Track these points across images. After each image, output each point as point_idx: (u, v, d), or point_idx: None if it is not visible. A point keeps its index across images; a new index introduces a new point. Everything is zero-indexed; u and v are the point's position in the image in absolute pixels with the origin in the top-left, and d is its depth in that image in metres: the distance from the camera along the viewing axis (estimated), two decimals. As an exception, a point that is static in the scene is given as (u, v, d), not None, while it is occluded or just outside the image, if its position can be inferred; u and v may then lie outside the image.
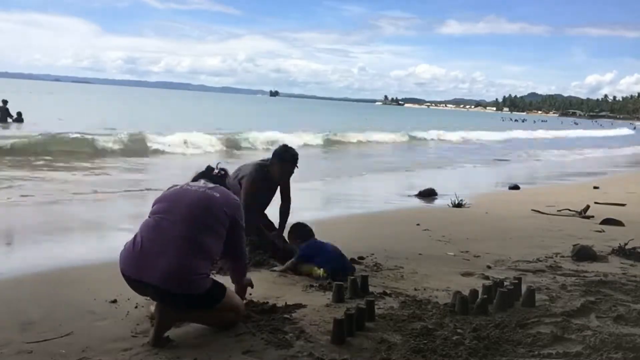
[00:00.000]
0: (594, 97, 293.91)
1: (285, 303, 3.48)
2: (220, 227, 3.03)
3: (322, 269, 4.18)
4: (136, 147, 15.71)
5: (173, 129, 19.34)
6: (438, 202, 9.74)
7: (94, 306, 3.41)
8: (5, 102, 21.89)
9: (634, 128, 76.13)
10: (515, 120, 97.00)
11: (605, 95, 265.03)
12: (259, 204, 4.85)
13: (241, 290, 3.40)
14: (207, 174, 3.29)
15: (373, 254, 4.98)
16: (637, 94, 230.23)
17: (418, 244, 5.70)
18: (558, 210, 8.37)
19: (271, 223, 5.02)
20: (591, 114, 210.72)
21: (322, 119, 47.58)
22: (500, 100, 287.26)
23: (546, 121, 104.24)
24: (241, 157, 14.47)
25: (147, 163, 13.78)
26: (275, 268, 4.40)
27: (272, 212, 5.11)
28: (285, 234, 4.76)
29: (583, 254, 5.17)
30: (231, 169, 3.96)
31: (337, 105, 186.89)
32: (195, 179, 3.27)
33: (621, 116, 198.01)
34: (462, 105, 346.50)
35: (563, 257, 5.26)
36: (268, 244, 4.68)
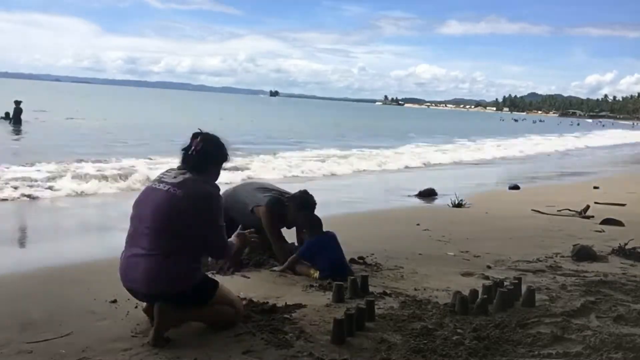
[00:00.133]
0: (594, 97, 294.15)
1: (285, 303, 3.48)
2: (187, 229, 2.94)
3: (317, 272, 4.20)
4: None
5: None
6: (438, 202, 9.74)
7: (94, 306, 3.41)
8: (18, 102, 21.72)
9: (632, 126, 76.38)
10: (515, 120, 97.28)
11: (605, 95, 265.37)
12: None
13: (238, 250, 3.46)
14: (184, 156, 3.09)
15: (373, 254, 4.98)
16: (637, 94, 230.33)
17: (418, 244, 5.70)
18: (558, 210, 8.36)
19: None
20: (591, 114, 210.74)
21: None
22: (500, 100, 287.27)
23: (543, 121, 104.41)
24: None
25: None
26: (275, 268, 4.40)
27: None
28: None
29: (583, 254, 5.17)
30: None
31: (337, 105, 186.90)
32: (178, 166, 3.11)
33: (621, 116, 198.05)
34: (462, 105, 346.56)
35: (563, 257, 5.26)
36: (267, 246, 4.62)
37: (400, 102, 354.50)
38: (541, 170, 17.34)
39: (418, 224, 6.80)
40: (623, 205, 9.27)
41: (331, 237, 4.39)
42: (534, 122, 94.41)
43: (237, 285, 3.60)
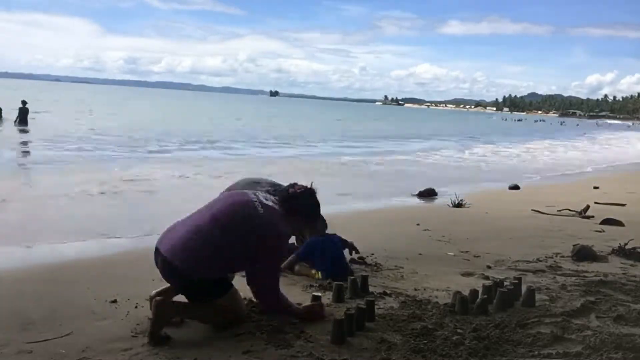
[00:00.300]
0: (594, 97, 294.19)
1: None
2: (245, 242, 2.97)
3: (319, 272, 4.20)
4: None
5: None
6: (438, 202, 9.75)
7: (94, 306, 3.41)
8: (24, 102, 21.73)
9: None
10: (519, 120, 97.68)
11: (605, 95, 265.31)
12: None
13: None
14: (283, 189, 3.29)
15: (373, 254, 4.98)
16: (637, 94, 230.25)
17: (418, 244, 5.70)
18: (558, 210, 8.37)
19: None
20: (591, 114, 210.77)
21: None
22: (500, 100, 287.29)
23: (544, 121, 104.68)
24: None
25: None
26: None
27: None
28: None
29: (583, 254, 5.17)
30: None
31: (337, 105, 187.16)
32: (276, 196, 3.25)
33: (621, 116, 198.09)
34: (462, 105, 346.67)
35: (563, 257, 5.26)
36: None
37: (400, 102, 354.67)
38: None
39: (418, 224, 6.80)
40: (623, 205, 9.28)
41: (332, 239, 4.40)
42: (536, 121, 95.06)
43: (237, 286, 3.59)
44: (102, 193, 8.80)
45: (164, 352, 2.74)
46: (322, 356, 2.72)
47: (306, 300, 3.58)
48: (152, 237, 3.42)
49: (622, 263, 5.11)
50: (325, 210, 3.60)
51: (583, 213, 8.16)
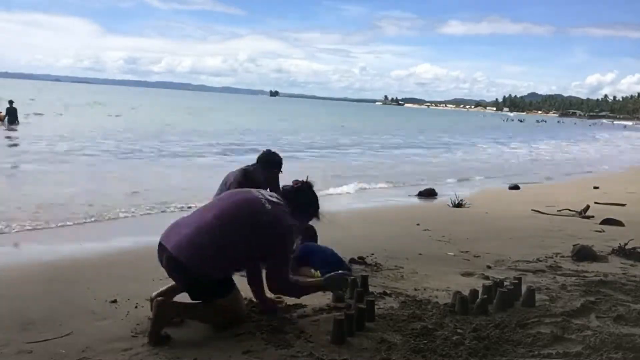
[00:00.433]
0: (594, 97, 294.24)
1: (285, 303, 3.48)
2: (250, 240, 2.99)
3: (318, 271, 4.19)
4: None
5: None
6: (438, 202, 9.75)
7: (94, 306, 3.41)
8: (11, 102, 21.81)
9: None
10: (520, 121, 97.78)
11: (605, 95, 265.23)
12: None
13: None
14: (287, 188, 3.33)
15: (373, 254, 4.98)
16: (637, 94, 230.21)
17: (418, 244, 5.70)
18: (558, 210, 8.37)
19: None
20: (591, 114, 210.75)
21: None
22: (500, 100, 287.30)
23: (545, 121, 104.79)
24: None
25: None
26: None
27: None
28: None
29: (583, 254, 5.17)
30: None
31: (337, 105, 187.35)
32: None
33: (621, 116, 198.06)
34: (462, 105, 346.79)
35: (563, 257, 5.26)
36: None
37: (400, 102, 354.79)
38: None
39: (418, 224, 6.80)
40: (623, 205, 9.28)
41: (321, 246, 4.43)
42: (538, 121, 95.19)
43: (237, 285, 3.59)
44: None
45: (164, 352, 2.74)
46: (322, 356, 2.72)
47: (306, 300, 3.59)
48: (152, 238, 3.41)
49: (622, 263, 5.11)
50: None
51: (583, 213, 8.16)
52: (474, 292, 3.62)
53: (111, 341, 2.86)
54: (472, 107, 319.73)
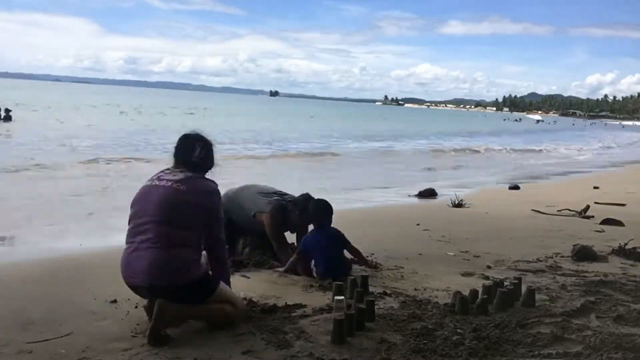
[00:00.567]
0: (594, 97, 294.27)
1: (285, 303, 3.48)
2: (192, 220, 3.04)
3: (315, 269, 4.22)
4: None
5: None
6: (438, 202, 9.74)
7: (94, 306, 3.41)
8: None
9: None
10: (520, 120, 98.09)
11: (605, 95, 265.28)
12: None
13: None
14: (186, 160, 3.20)
15: (373, 254, 4.98)
16: (637, 94, 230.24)
17: (418, 244, 5.70)
18: (558, 210, 8.37)
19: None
20: (591, 114, 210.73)
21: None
22: (500, 100, 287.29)
23: (543, 121, 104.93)
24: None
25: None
26: (278, 269, 4.39)
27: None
28: None
29: (583, 254, 5.17)
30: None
31: (337, 105, 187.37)
32: (173, 167, 3.21)
33: (621, 116, 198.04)
34: (462, 105, 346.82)
35: (563, 257, 5.26)
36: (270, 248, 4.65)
37: (400, 102, 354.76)
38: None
39: (418, 224, 6.80)
40: (623, 205, 9.28)
41: (329, 235, 4.38)
42: (537, 122, 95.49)
43: (237, 285, 3.60)
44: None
45: (164, 352, 2.74)
46: (322, 356, 2.72)
47: (306, 300, 3.59)
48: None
49: (622, 263, 5.11)
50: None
51: (583, 213, 8.15)
52: (474, 292, 3.63)
53: (111, 341, 2.87)
54: (472, 107, 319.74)
